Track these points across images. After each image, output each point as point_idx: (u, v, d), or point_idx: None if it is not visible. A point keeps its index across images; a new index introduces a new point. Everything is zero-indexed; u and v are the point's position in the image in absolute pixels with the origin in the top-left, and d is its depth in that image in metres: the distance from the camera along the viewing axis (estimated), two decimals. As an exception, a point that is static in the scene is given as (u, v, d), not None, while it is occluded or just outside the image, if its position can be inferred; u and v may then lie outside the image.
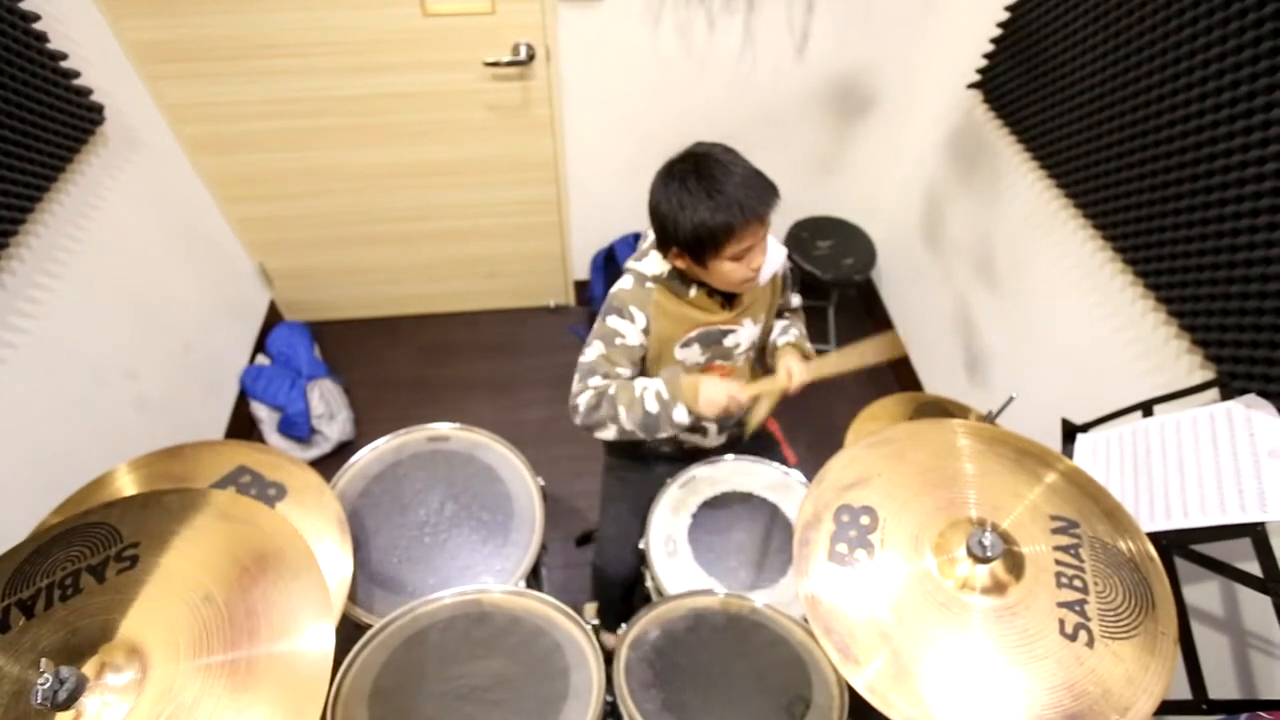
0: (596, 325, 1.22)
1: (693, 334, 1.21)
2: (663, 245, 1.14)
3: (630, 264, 1.22)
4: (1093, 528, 0.90)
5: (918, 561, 0.87)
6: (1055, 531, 0.90)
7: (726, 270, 1.10)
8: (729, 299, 1.22)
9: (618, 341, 1.19)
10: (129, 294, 1.74)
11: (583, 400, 1.19)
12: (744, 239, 1.06)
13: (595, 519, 2.01)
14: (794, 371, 1.21)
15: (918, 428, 1.03)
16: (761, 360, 1.42)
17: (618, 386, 1.18)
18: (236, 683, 0.73)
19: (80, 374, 1.56)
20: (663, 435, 1.18)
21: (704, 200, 1.03)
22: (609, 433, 1.19)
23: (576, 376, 1.21)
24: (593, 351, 1.20)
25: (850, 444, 1.01)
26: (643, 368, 1.26)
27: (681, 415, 1.16)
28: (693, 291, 1.18)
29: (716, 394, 1.13)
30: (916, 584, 0.85)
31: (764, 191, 1.06)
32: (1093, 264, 1.50)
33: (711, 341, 1.24)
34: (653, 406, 1.15)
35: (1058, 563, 0.86)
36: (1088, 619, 0.81)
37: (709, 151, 1.07)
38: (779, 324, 1.41)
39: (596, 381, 1.19)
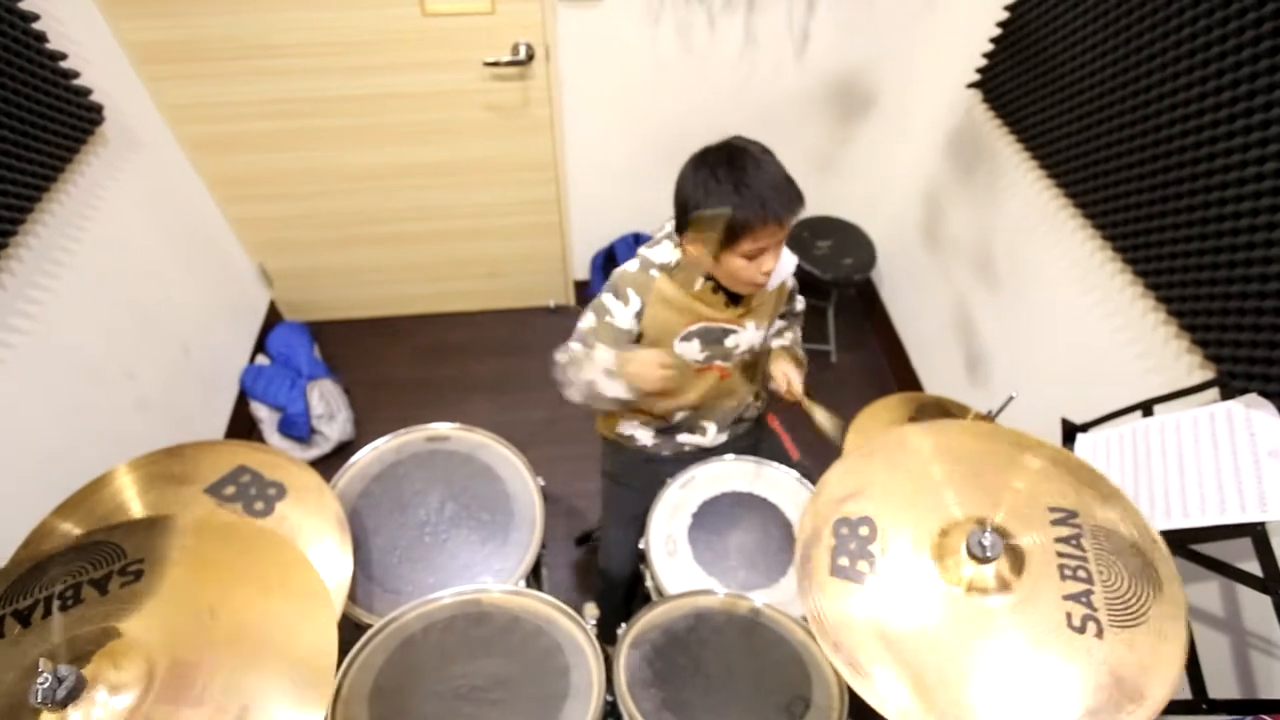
0: (596, 298, 1.23)
1: (693, 328, 1.21)
2: (679, 227, 1.15)
3: (641, 250, 1.23)
4: (1092, 516, 0.90)
5: (919, 566, 0.87)
6: (1055, 523, 0.89)
7: (737, 267, 1.10)
8: (734, 298, 1.22)
9: (606, 319, 1.20)
10: (129, 294, 1.74)
11: (561, 357, 1.20)
12: (761, 239, 1.06)
13: (595, 519, 2.01)
14: (792, 379, 1.27)
15: (905, 432, 1.03)
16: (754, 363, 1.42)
17: (584, 354, 1.16)
18: (238, 683, 0.74)
19: (80, 374, 1.56)
20: (600, 407, 1.18)
21: (730, 192, 1.03)
22: (574, 394, 1.18)
23: (571, 338, 1.23)
24: (585, 322, 1.23)
25: (845, 453, 1.02)
26: None
27: (618, 391, 1.11)
28: (698, 284, 1.18)
29: (645, 370, 1.09)
30: (919, 588, 0.85)
31: (790, 197, 1.06)
32: (1092, 263, 1.50)
33: (712, 339, 1.23)
34: (592, 375, 1.12)
35: (1060, 555, 0.86)
36: (1095, 610, 0.81)
37: (745, 146, 1.08)
38: (775, 324, 1.41)
39: (576, 347, 1.19)
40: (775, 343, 1.38)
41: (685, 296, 1.19)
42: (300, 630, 0.80)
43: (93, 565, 0.84)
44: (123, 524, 0.91)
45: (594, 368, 1.13)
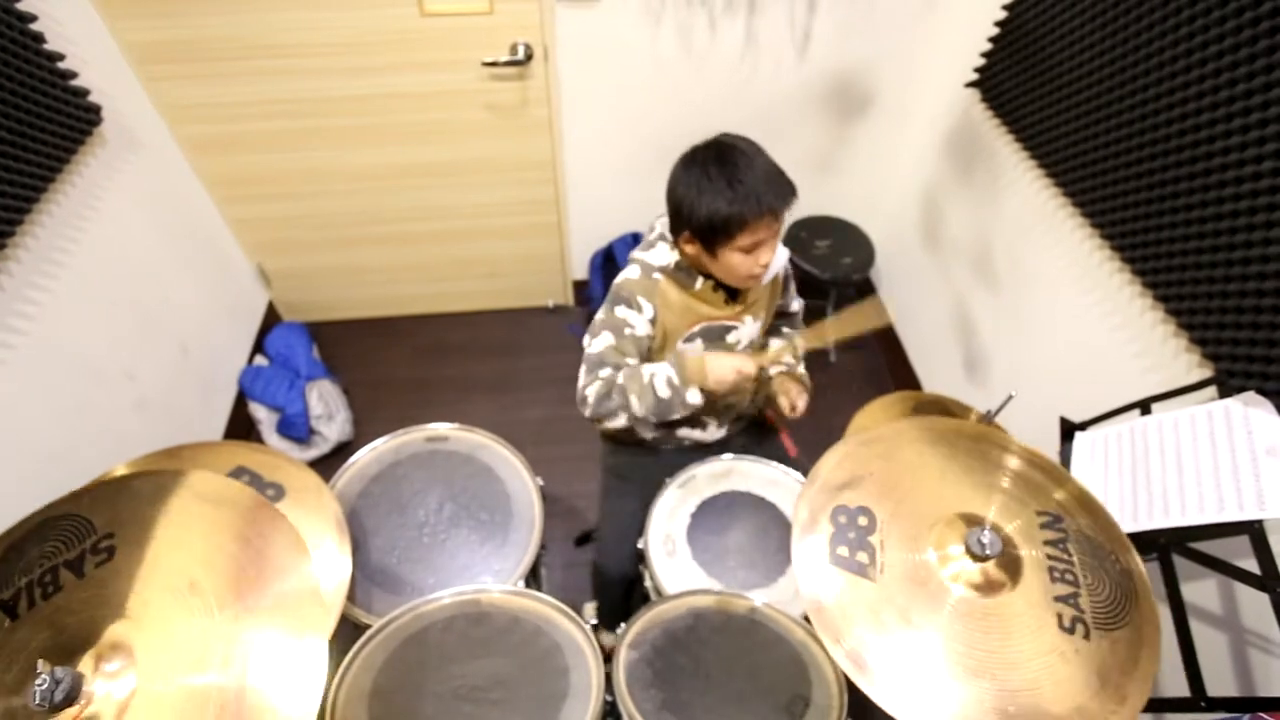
0: (603, 315, 1.21)
1: (696, 329, 1.21)
2: (675, 229, 1.15)
3: (636, 254, 1.22)
4: (1075, 522, 0.91)
5: (920, 561, 0.87)
6: (1044, 526, 0.90)
7: (735, 262, 1.10)
8: (733, 294, 1.22)
9: (626, 332, 1.19)
10: (127, 295, 1.74)
11: (592, 391, 1.18)
12: (757, 232, 1.06)
13: (594, 519, 2.01)
14: (798, 404, 1.29)
15: (904, 425, 1.03)
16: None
17: (626, 375, 1.17)
18: (238, 625, 0.74)
19: (79, 375, 1.56)
20: (675, 417, 1.19)
21: (723, 189, 1.04)
22: (619, 420, 1.20)
23: (584, 369, 1.21)
24: (600, 343, 1.19)
25: (841, 441, 1.01)
26: (649, 358, 1.26)
27: (695, 397, 1.16)
28: (698, 284, 1.19)
29: (725, 372, 1.14)
30: (920, 585, 0.85)
31: (783, 189, 1.07)
32: (1090, 262, 1.51)
33: (714, 337, 1.24)
34: (664, 392, 1.15)
35: (1049, 558, 0.87)
36: (1082, 612, 0.82)
37: (734, 142, 1.08)
38: (774, 342, 1.41)
39: (606, 373, 1.18)
40: (775, 370, 1.38)
41: (686, 297, 1.19)
42: (285, 585, 0.80)
43: (64, 545, 0.82)
44: (85, 490, 0.88)
45: (658, 386, 1.15)
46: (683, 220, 1.10)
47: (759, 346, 1.37)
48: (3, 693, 0.72)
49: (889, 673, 0.78)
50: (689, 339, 1.22)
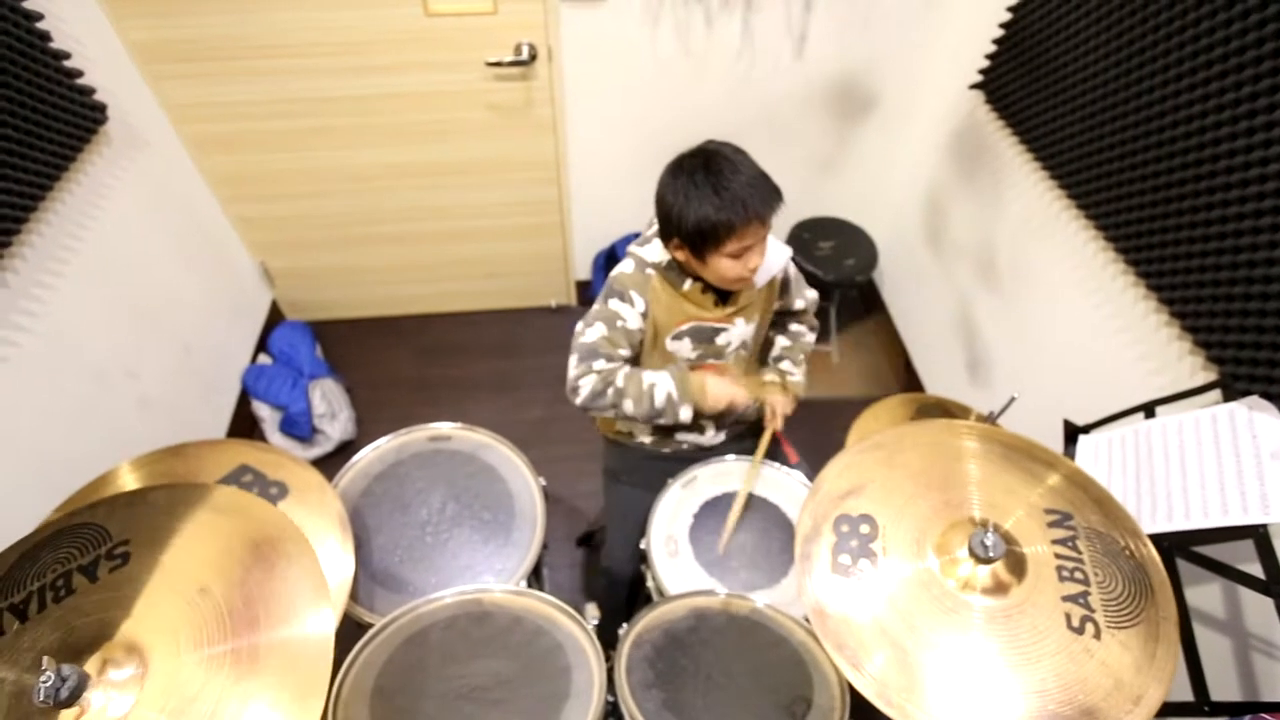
0: (598, 306, 1.23)
1: (684, 327, 1.22)
2: (665, 235, 1.16)
3: (632, 248, 1.24)
4: (1085, 518, 0.91)
5: (922, 567, 0.87)
6: (1051, 525, 0.90)
7: (724, 267, 1.11)
8: (723, 296, 1.23)
9: (619, 324, 1.21)
10: (131, 293, 1.74)
11: (586, 384, 1.20)
12: (745, 238, 1.08)
13: (596, 519, 2.01)
14: (778, 412, 1.35)
15: (905, 431, 1.04)
16: (762, 358, 1.42)
17: (625, 377, 1.20)
18: (239, 671, 0.74)
19: (82, 373, 1.56)
20: (663, 424, 1.24)
21: (710, 196, 1.05)
22: (606, 413, 1.24)
23: (575, 357, 1.22)
24: (594, 333, 1.21)
25: (844, 450, 1.02)
26: (640, 351, 1.27)
27: (687, 414, 1.21)
28: (687, 284, 1.20)
29: (721, 394, 1.22)
30: (923, 590, 0.85)
31: (768, 194, 1.08)
32: (1095, 265, 1.50)
33: (703, 338, 1.24)
34: (661, 403, 1.20)
35: (1057, 556, 0.86)
36: (1092, 610, 0.82)
37: (719, 149, 1.09)
38: (779, 342, 1.42)
39: (600, 365, 1.20)
40: (768, 375, 1.39)
41: (675, 296, 1.20)
42: (295, 597, 0.80)
43: (79, 550, 0.83)
44: (102, 501, 0.89)
45: (656, 396, 1.20)
46: (672, 227, 1.11)
47: (754, 353, 1.38)
48: (9, 693, 0.72)
49: (892, 675, 0.78)
50: (678, 336, 1.23)
